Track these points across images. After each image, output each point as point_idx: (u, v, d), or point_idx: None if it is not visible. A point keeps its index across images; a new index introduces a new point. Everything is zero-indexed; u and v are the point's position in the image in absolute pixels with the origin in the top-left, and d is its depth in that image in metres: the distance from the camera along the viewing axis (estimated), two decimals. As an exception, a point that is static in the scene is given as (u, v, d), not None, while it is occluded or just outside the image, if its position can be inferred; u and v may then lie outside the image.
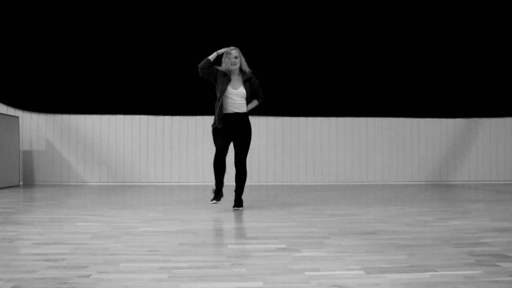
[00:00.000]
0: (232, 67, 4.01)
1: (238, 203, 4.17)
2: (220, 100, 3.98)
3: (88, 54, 7.27)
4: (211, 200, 4.04)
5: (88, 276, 1.91)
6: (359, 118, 7.74)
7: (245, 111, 4.09)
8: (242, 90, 4.04)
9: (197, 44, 7.33)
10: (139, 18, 7.32)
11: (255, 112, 4.59)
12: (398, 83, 7.72)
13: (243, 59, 4.09)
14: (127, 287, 1.78)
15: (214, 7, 7.40)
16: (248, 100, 4.10)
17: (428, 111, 7.82)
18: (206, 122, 7.35)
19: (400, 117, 7.82)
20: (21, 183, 7.11)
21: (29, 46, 7.19)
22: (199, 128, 7.40)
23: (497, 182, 7.89)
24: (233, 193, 4.22)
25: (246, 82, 4.08)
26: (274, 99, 7.30)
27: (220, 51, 4.06)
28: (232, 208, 4.13)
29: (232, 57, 4.01)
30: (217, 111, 4.01)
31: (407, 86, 7.74)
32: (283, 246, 2.51)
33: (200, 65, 4.04)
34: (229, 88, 4.01)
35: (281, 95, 7.44)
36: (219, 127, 4.00)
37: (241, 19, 7.40)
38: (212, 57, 4.05)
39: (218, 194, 4.07)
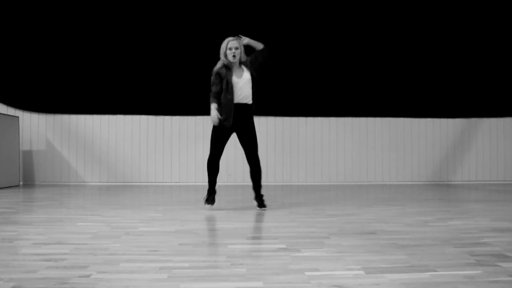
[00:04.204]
0: (233, 60, 3.94)
1: (262, 203, 4.10)
2: (231, 93, 3.89)
3: (88, 54, 7.26)
4: (205, 203, 4.03)
5: (88, 276, 1.91)
6: (359, 118, 7.74)
7: (251, 102, 4.02)
8: (246, 75, 3.98)
9: (197, 44, 7.34)
10: (139, 18, 7.32)
11: (255, 112, 4.53)
12: (398, 83, 7.72)
13: (242, 50, 4.03)
14: (127, 287, 1.78)
15: (214, 7, 7.39)
16: (255, 83, 4.03)
17: (428, 111, 7.82)
18: (206, 122, 7.34)
19: (400, 117, 7.82)
20: (21, 183, 7.11)
21: (29, 46, 7.18)
22: (199, 128, 7.40)
23: (497, 182, 7.89)
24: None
25: (251, 65, 4.06)
26: (274, 99, 7.31)
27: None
28: (257, 209, 4.07)
29: (233, 48, 3.94)
30: (223, 106, 3.89)
31: (407, 86, 7.74)
32: (283, 246, 2.51)
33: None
34: (234, 79, 3.94)
35: (281, 95, 7.44)
36: (226, 125, 3.90)
37: (241, 19, 7.39)
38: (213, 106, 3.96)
39: (211, 195, 4.06)
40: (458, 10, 7.80)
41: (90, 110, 7.32)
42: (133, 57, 7.30)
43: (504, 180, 7.95)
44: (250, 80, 4.01)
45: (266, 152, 7.50)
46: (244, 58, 4.07)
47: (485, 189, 6.55)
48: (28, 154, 7.25)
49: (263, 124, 7.50)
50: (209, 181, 4.10)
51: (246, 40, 4.07)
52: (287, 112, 7.59)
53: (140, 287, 1.78)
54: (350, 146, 7.71)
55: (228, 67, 3.98)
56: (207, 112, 7.21)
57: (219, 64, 4.02)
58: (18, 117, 6.92)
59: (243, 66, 4.05)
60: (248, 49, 4.21)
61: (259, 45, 4.12)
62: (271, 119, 7.56)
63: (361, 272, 1.99)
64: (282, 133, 7.59)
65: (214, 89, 3.95)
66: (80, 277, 1.90)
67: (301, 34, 7.55)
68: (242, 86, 3.95)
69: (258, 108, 4.43)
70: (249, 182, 7.19)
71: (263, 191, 4.20)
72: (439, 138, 7.89)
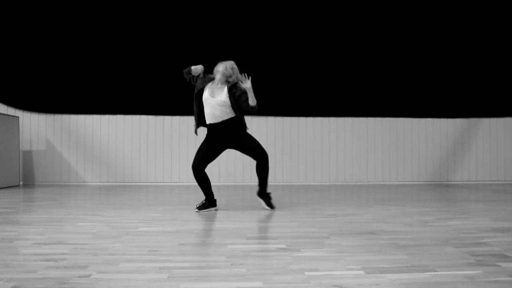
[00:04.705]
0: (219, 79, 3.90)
1: (269, 201, 4.08)
2: (196, 105, 3.97)
3: (88, 54, 7.26)
4: (196, 208, 3.99)
5: (88, 276, 1.91)
6: (359, 118, 7.74)
7: (226, 118, 3.86)
8: (221, 98, 3.81)
9: (197, 44, 7.34)
10: (139, 18, 7.32)
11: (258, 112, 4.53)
12: (398, 83, 7.72)
13: (235, 73, 3.87)
14: (127, 287, 1.78)
15: (214, 7, 7.40)
16: (235, 109, 3.83)
17: (428, 111, 7.83)
18: (206, 122, 7.34)
19: (400, 117, 7.82)
20: (21, 183, 7.11)
21: (29, 46, 7.18)
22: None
23: (497, 182, 7.89)
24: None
25: (231, 90, 3.86)
26: (274, 99, 7.32)
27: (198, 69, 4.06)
28: (266, 208, 4.08)
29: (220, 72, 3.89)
30: (195, 115, 4.01)
31: (407, 86, 7.74)
32: (283, 246, 2.51)
33: (184, 69, 4.13)
34: (207, 95, 3.89)
35: (281, 95, 7.44)
36: (196, 133, 4.10)
37: (240, 18, 7.40)
38: (194, 69, 4.05)
39: (206, 202, 4.01)
40: (457, 10, 7.80)
41: (90, 110, 7.32)
42: (133, 57, 7.30)
43: (504, 180, 7.95)
44: (226, 104, 3.83)
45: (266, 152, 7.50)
46: (235, 79, 3.89)
47: (485, 189, 6.55)
48: (28, 154, 7.25)
49: (263, 124, 7.50)
50: (203, 193, 4.04)
51: (248, 85, 3.78)
52: (287, 112, 7.59)
53: (140, 287, 1.78)
54: (350, 146, 7.71)
55: (206, 80, 3.99)
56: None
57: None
58: (18, 117, 6.92)
59: (225, 87, 3.88)
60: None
61: (250, 100, 3.83)
62: (271, 119, 7.56)
63: (361, 272, 1.99)
64: (282, 133, 7.59)
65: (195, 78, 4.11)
66: (80, 277, 1.90)
67: (301, 34, 7.55)
68: (214, 107, 3.84)
69: (258, 108, 4.41)
70: (250, 182, 7.25)
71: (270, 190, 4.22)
72: (439, 138, 7.89)
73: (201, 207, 4.00)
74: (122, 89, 7.30)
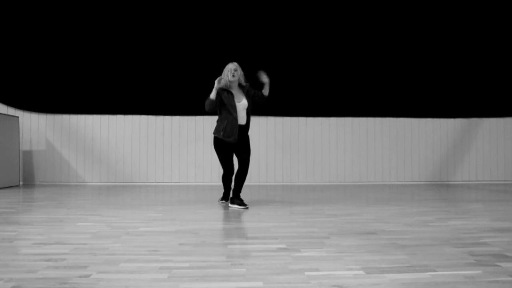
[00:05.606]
0: (232, 79, 4.13)
1: (242, 202, 4.24)
2: (234, 114, 4.11)
3: (88, 54, 7.27)
4: (220, 200, 4.54)
5: (88, 276, 1.91)
6: (359, 118, 7.75)
7: (246, 120, 4.24)
8: (244, 102, 4.20)
9: (197, 44, 7.35)
10: (139, 18, 7.32)
11: (255, 112, 4.61)
12: (398, 83, 7.72)
13: (241, 73, 4.23)
14: (127, 287, 1.78)
15: (214, 7, 7.40)
16: (249, 111, 4.28)
17: (428, 111, 7.83)
18: (206, 122, 7.35)
19: (400, 117, 7.82)
20: (21, 183, 7.11)
21: (29, 46, 7.19)
22: (199, 128, 7.40)
23: (497, 182, 7.89)
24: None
25: (248, 94, 4.27)
26: (274, 99, 7.30)
27: (216, 85, 4.12)
28: (229, 205, 4.34)
29: (232, 70, 4.14)
30: (226, 124, 4.09)
31: (407, 86, 7.74)
32: (283, 246, 2.51)
33: (206, 106, 4.11)
34: (235, 102, 4.20)
35: (281, 95, 7.43)
36: (233, 142, 4.11)
37: (241, 18, 7.40)
38: (213, 95, 4.09)
39: (226, 196, 4.52)
40: (458, 10, 7.80)
41: (90, 110, 7.32)
42: (133, 58, 7.31)
43: (504, 180, 7.95)
44: (246, 107, 4.23)
45: (266, 152, 7.51)
46: (243, 82, 4.26)
47: (485, 189, 6.55)
48: (28, 154, 7.24)
49: (263, 124, 7.50)
50: (224, 189, 4.50)
51: (265, 80, 4.25)
52: (287, 112, 7.59)
53: (140, 287, 1.78)
54: (350, 146, 7.71)
55: (229, 92, 4.17)
56: (206, 112, 7.21)
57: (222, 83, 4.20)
58: (18, 117, 6.92)
59: (243, 89, 4.27)
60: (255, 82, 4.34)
61: (266, 92, 4.33)
62: (271, 119, 7.56)
63: (361, 272, 1.99)
64: (282, 133, 7.59)
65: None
66: (80, 277, 1.90)
67: (301, 34, 7.55)
68: (239, 111, 4.19)
69: (259, 108, 4.50)
70: (250, 182, 7.24)
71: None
72: (439, 138, 7.89)
73: (223, 198, 4.51)
74: (122, 89, 7.31)
